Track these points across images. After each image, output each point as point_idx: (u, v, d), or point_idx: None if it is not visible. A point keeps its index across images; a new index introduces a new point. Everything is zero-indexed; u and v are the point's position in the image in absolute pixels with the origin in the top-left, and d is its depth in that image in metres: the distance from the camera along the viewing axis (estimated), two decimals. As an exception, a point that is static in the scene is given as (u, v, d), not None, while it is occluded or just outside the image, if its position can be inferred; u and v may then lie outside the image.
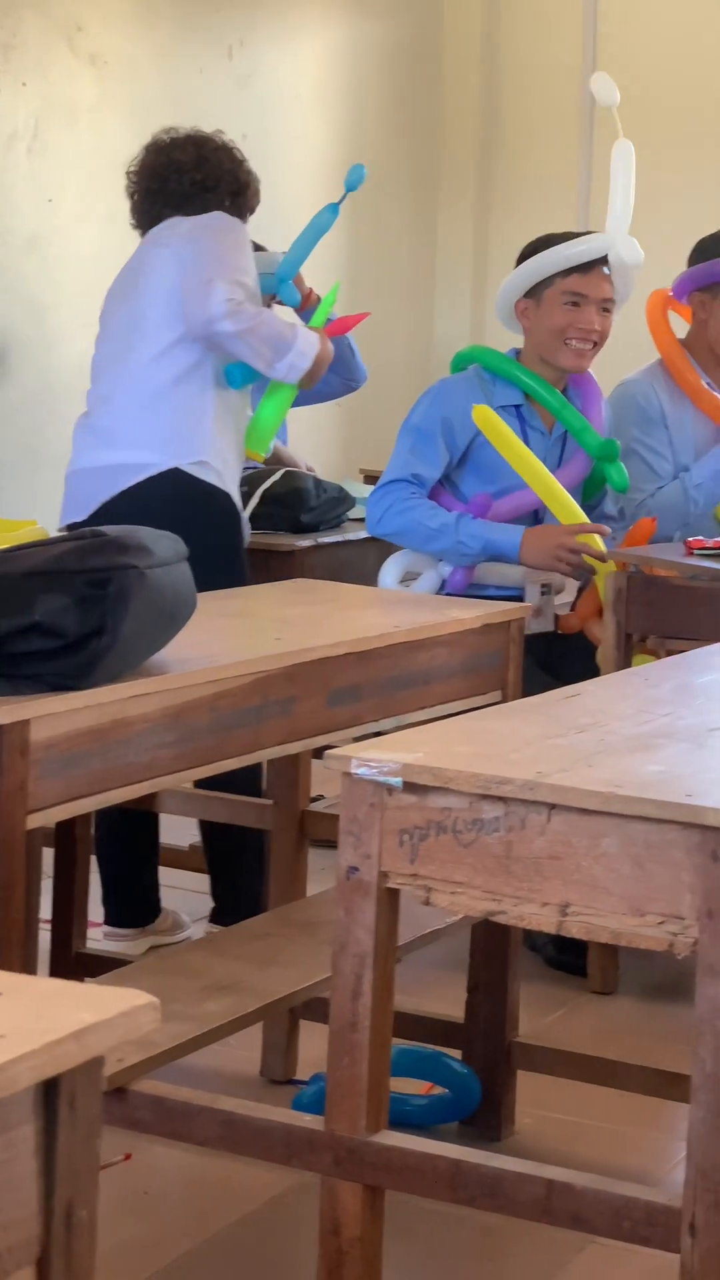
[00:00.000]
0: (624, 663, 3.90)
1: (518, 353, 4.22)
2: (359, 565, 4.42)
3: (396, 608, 3.34)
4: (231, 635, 2.92)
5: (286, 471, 4.36)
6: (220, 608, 3.15)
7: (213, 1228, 2.78)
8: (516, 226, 4.34)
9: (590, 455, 4.17)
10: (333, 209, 4.60)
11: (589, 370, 4.23)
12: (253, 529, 4.22)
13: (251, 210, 4.10)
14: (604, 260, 4.14)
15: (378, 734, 2.73)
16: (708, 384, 4.51)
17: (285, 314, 4.41)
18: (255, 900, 3.65)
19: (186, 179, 3.99)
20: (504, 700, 3.37)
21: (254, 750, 2.83)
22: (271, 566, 4.17)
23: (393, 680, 3.10)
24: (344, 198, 4.57)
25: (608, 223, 4.31)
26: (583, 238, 4.17)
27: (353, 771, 2.13)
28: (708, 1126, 1.97)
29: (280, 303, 4.43)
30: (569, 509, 4.04)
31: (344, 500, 4.43)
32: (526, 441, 4.10)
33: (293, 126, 6.23)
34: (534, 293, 4.14)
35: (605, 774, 2.08)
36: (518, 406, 4.14)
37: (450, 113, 7.02)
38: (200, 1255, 2.71)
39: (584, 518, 4.05)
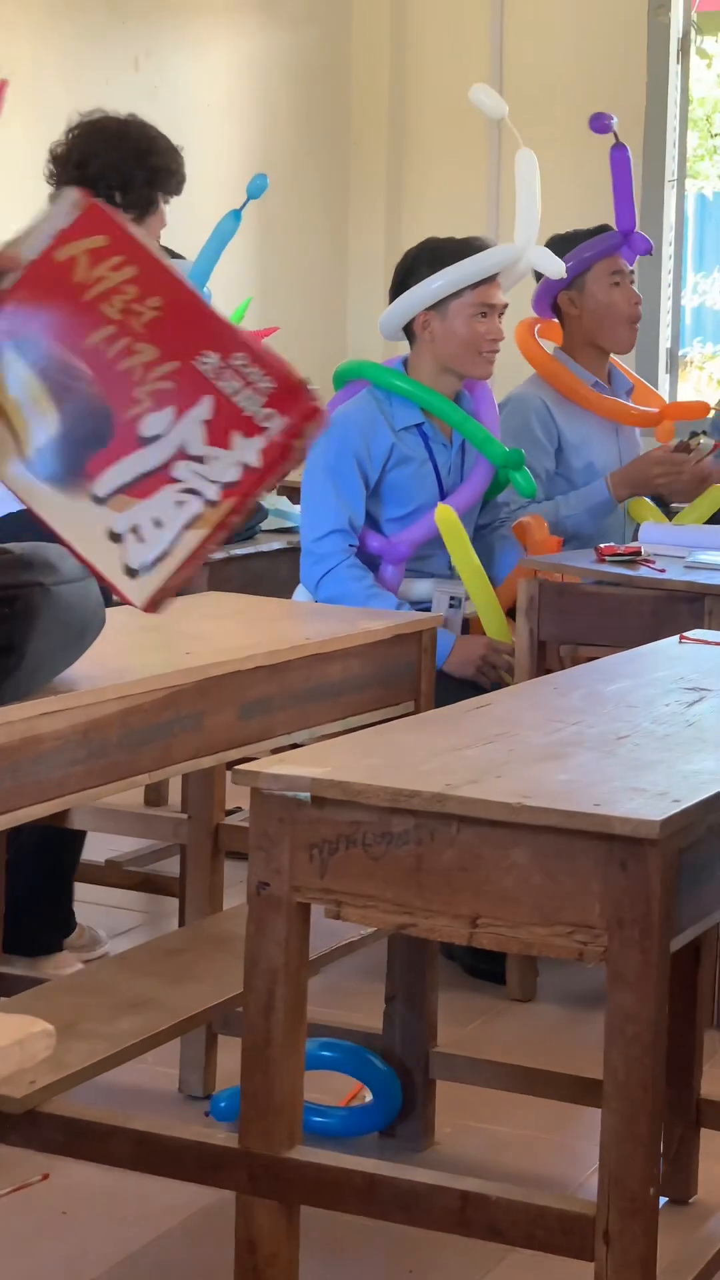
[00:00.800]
0: (536, 670, 3.91)
1: (403, 363, 4.20)
2: (272, 577, 4.41)
3: (308, 619, 3.34)
4: (142, 651, 2.91)
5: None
6: (130, 623, 3.12)
7: (130, 1247, 2.76)
8: (428, 233, 4.34)
9: (494, 464, 4.18)
10: (235, 216, 4.64)
11: None
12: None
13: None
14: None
15: (291, 746, 2.73)
16: (595, 383, 4.54)
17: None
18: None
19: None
20: (417, 710, 3.37)
21: (165, 765, 2.81)
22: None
23: (305, 692, 3.10)
24: (245, 204, 4.61)
25: (517, 232, 4.33)
26: (491, 250, 4.16)
27: (261, 787, 2.12)
28: (619, 1135, 1.97)
29: None
30: (498, 620, 4.09)
31: (256, 511, 4.41)
32: (431, 457, 4.12)
33: (202, 137, 6.20)
34: (439, 306, 4.12)
35: (514, 784, 2.08)
36: (419, 425, 4.13)
37: (360, 121, 7.03)
38: (118, 1274, 2.70)
39: (508, 632, 4.07)
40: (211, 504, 1.68)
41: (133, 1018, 2.48)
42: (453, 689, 3.65)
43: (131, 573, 1.56)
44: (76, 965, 3.63)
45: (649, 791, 2.06)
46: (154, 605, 1.57)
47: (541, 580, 3.92)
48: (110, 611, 3.32)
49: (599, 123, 4.59)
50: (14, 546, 2.54)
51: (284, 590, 4.46)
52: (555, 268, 4.31)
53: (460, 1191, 2.04)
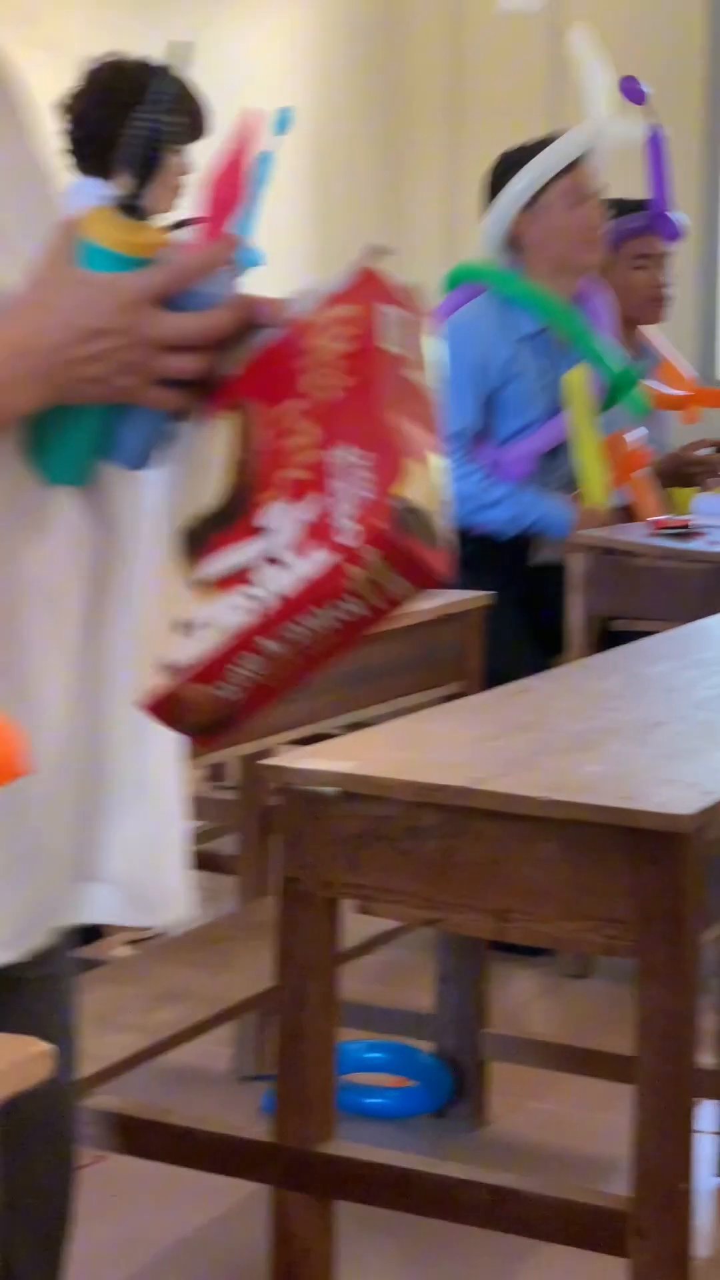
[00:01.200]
0: (587, 646, 3.87)
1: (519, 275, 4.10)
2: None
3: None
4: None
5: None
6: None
7: (178, 1231, 2.76)
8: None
9: (608, 382, 4.07)
10: (265, 158, 4.62)
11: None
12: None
13: None
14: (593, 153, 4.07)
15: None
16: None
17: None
18: None
19: None
20: (464, 692, 3.34)
21: (204, 753, 2.80)
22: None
23: (348, 676, 3.07)
24: (275, 143, 4.58)
25: (587, 110, 4.21)
26: (569, 133, 4.08)
27: (289, 782, 2.10)
28: (651, 1129, 1.95)
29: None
30: (599, 489, 4.00)
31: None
32: (553, 367, 4.02)
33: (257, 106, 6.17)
34: (534, 204, 4.03)
35: (543, 777, 2.05)
36: (540, 334, 4.02)
37: (415, 80, 6.96)
38: (167, 1260, 2.70)
39: (605, 499, 4.03)
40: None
41: (171, 1009, 2.48)
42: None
43: (163, 668, 1.26)
44: (121, 947, 3.61)
45: (681, 782, 2.03)
46: (147, 702, 1.29)
47: (594, 553, 3.88)
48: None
49: (631, 89, 4.47)
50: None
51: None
52: (637, 134, 4.23)
53: (491, 1186, 2.03)
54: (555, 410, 4.02)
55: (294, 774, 2.09)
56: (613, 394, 4.12)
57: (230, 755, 2.83)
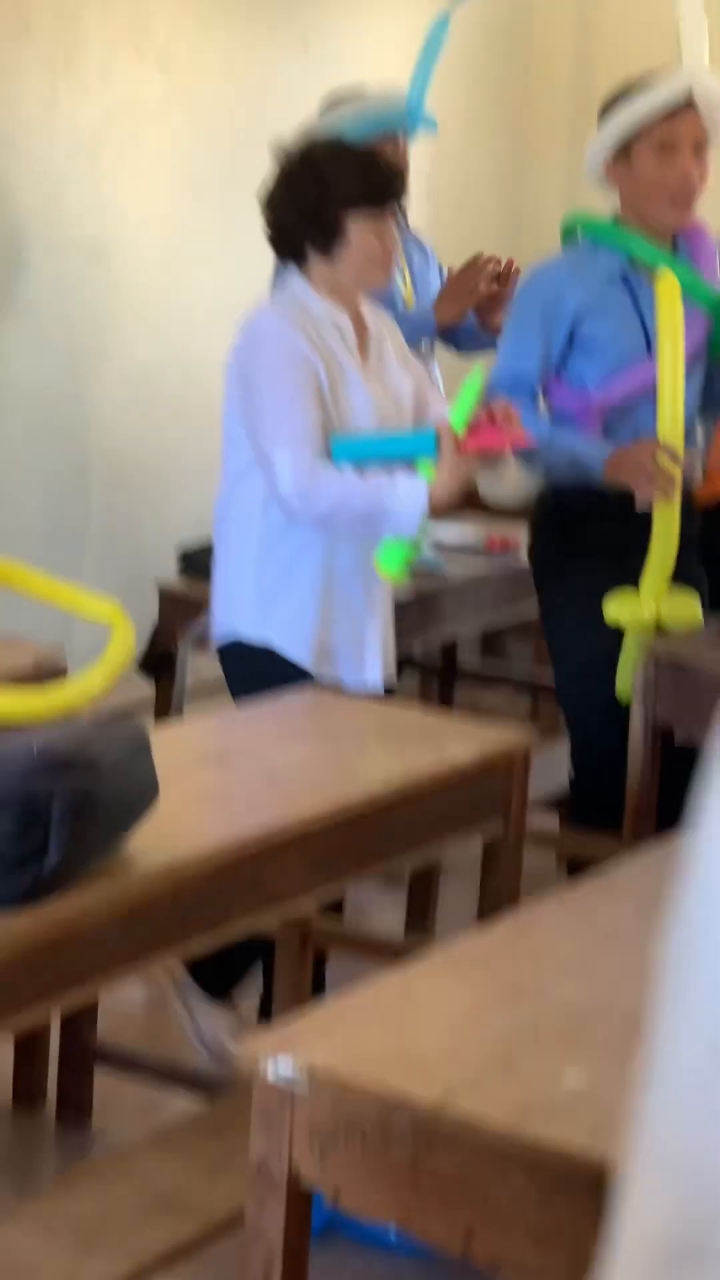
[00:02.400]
0: (652, 759, 3.76)
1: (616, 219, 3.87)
2: (397, 627, 4.27)
3: (397, 738, 3.22)
4: (205, 803, 2.83)
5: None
6: (204, 751, 3.06)
7: None
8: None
9: (708, 311, 3.83)
10: (442, 24, 4.74)
11: (695, 218, 3.86)
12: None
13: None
14: (689, 102, 3.74)
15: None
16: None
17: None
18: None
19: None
20: (505, 832, 3.26)
21: (222, 927, 2.74)
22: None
23: (380, 836, 3.00)
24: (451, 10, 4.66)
25: (685, 58, 3.98)
26: (659, 82, 3.77)
27: (259, 1074, 2.04)
28: None
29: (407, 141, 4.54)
30: (676, 417, 3.68)
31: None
32: (637, 308, 3.78)
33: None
34: (622, 151, 3.78)
35: (517, 1092, 1.97)
36: (622, 276, 3.80)
37: (539, 87, 6.77)
38: None
39: (680, 433, 3.71)
40: None
41: (158, 1223, 2.43)
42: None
43: None
44: (231, 1028, 3.50)
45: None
46: None
47: (659, 660, 3.76)
48: (187, 729, 3.26)
49: None
50: (58, 740, 2.47)
51: (411, 640, 4.35)
52: None
53: None
54: (642, 355, 3.78)
55: (265, 1063, 2.02)
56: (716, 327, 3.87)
57: (229, 937, 2.75)
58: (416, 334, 4.33)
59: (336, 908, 3.81)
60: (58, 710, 2.96)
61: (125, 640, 3.12)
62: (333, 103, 4.64)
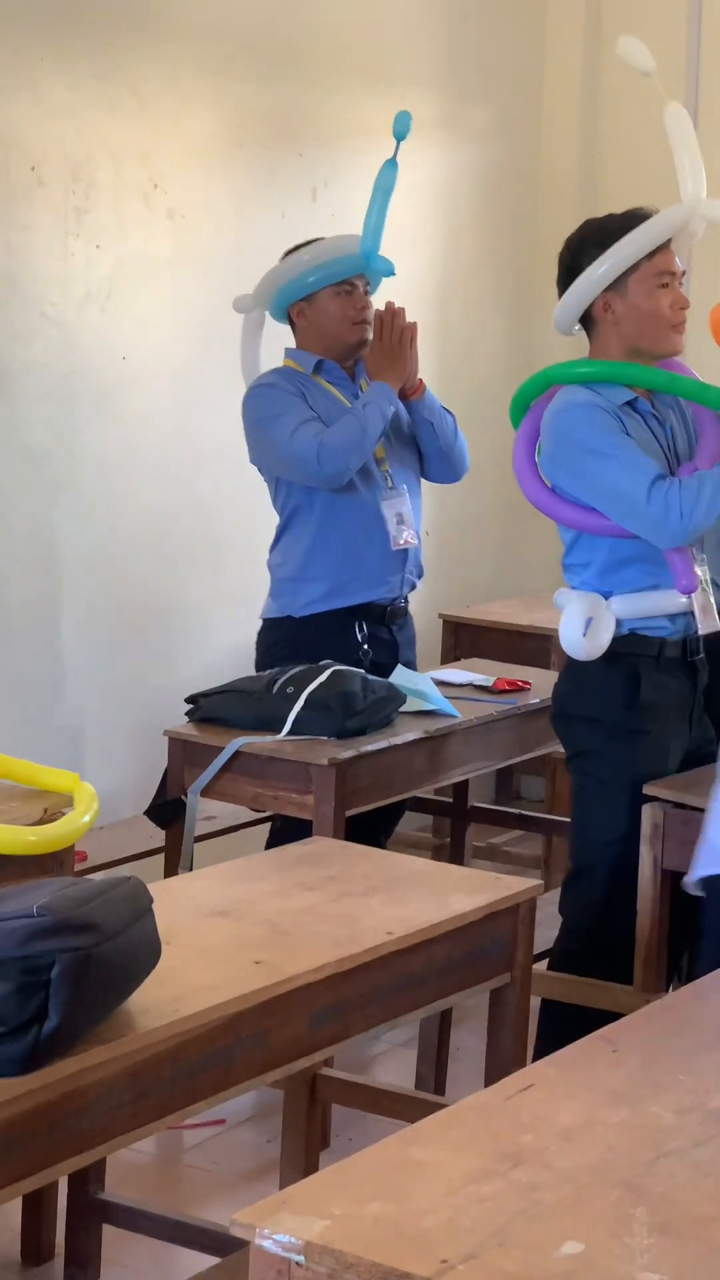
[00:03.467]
0: (661, 904, 3.76)
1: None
2: (407, 769, 4.29)
3: (402, 889, 3.22)
4: (207, 959, 2.82)
5: (334, 672, 4.25)
6: (210, 900, 3.06)
7: None
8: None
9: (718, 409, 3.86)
10: (391, 164, 4.80)
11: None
12: (295, 734, 4.14)
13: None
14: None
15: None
16: None
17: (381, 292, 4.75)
18: None
19: None
20: (512, 982, 3.25)
21: (224, 1089, 2.73)
22: (311, 779, 4.06)
23: (383, 988, 3.00)
24: (397, 149, 4.76)
25: (682, 189, 4.01)
26: (661, 213, 3.85)
27: (257, 1243, 2.02)
28: None
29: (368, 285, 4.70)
30: None
31: (392, 699, 4.29)
32: (651, 432, 3.83)
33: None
34: (616, 285, 3.82)
35: (511, 1265, 1.95)
36: (631, 402, 3.83)
37: (548, 233, 6.84)
38: None
39: None
40: None
41: None
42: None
43: None
44: None
45: None
46: None
47: (667, 807, 3.76)
48: (197, 877, 3.27)
49: None
50: (59, 901, 2.47)
51: (417, 780, 4.36)
52: None
53: None
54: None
55: (261, 1235, 2.01)
56: None
57: (231, 1097, 2.75)
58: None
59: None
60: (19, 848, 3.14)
61: (87, 808, 3.36)
62: (288, 251, 4.78)
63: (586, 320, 3.92)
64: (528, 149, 6.84)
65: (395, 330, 4.65)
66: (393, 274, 4.71)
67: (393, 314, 4.66)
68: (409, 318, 4.70)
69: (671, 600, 3.83)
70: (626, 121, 6.70)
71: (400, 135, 4.73)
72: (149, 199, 5.28)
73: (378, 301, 4.74)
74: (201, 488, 5.51)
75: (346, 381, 4.73)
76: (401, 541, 4.67)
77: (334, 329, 4.70)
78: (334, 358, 4.71)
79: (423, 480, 4.86)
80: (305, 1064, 2.88)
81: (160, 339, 5.34)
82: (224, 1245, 3.09)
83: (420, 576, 4.80)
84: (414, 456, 4.81)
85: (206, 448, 5.51)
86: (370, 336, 4.69)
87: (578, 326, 3.97)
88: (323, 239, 4.83)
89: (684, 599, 3.82)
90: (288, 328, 4.82)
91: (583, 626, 3.80)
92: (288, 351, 4.79)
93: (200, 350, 5.45)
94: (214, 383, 5.48)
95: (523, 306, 6.85)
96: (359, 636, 4.63)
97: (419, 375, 4.72)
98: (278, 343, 4.88)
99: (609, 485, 3.74)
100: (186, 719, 4.32)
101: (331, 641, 4.58)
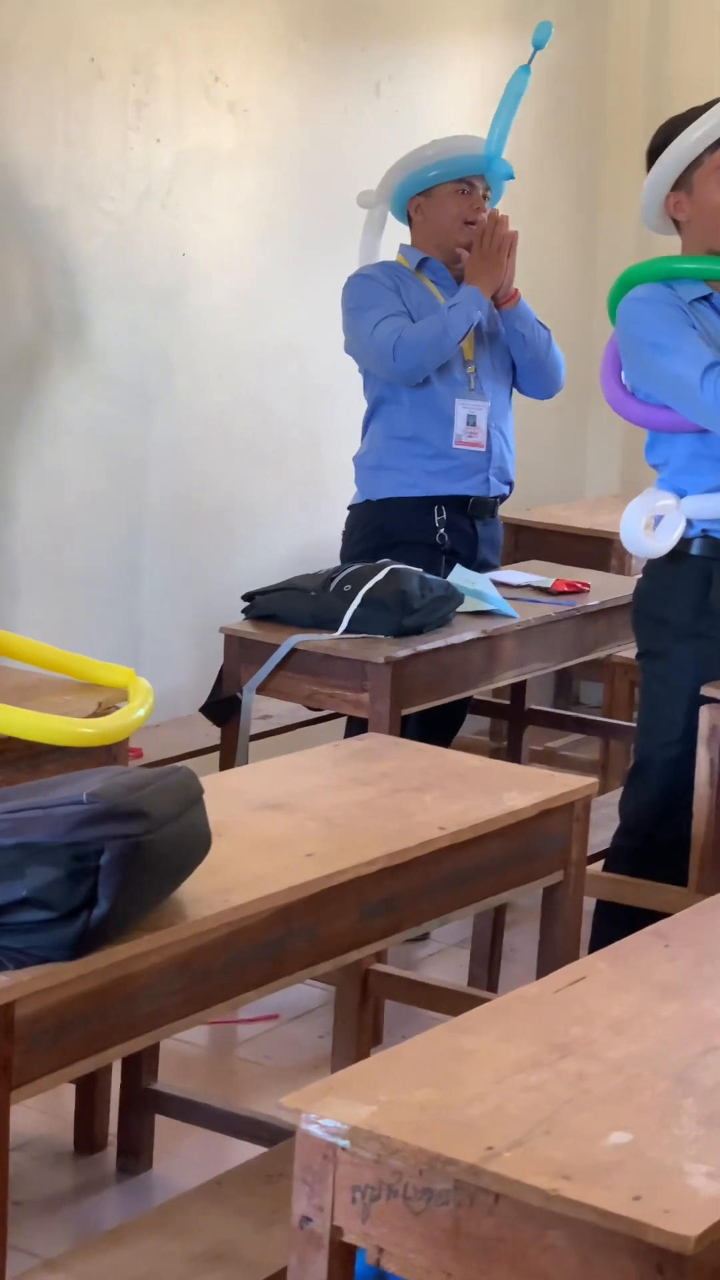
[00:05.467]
0: (719, 804, 3.73)
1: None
2: (463, 669, 4.27)
3: (456, 785, 3.20)
4: (259, 850, 2.81)
5: (392, 570, 4.22)
6: (262, 798, 3.05)
7: None
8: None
9: None
10: (524, 70, 4.84)
11: None
12: (351, 632, 4.12)
13: None
14: None
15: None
16: None
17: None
18: None
19: None
20: (565, 880, 3.23)
21: (275, 980, 2.73)
22: (367, 677, 4.04)
23: (436, 884, 2.98)
24: (533, 57, 4.78)
25: None
26: (717, 104, 3.71)
27: (303, 1128, 2.02)
28: None
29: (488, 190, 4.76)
30: None
31: (450, 599, 4.26)
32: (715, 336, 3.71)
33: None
34: (682, 182, 3.71)
35: (558, 1153, 1.94)
36: (706, 297, 3.72)
37: (614, 132, 6.74)
38: None
39: None
40: None
41: (209, 1277, 2.42)
42: None
43: None
44: None
45: (712, 1171, 1.91)
46: None
47: (722, 706, 3.73)
48: (250, 770, 3.26)
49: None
50: (109, 789, 2.46)
51: (475, 681, 4.33)
52: None
53: None
54: None
55: (307, 1119, 2.01)
56: None
57: (282, 988, 2.74)
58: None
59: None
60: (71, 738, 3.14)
61: (142, 702, 3.34)
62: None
63: (673, 220, 3.82)
64: (595, 43, 6.72)
65: (496, 237, 4.68)
66: (513, 177, 4.77)
67: (496, 221, 4.69)
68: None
69: None
70: (699, 13, 6.58)
71: (538, 44, 4.77)
72: (210, 92, 5.22)
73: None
74: (263, 387, 5.47)
75: (450, 283, 4.75)
76: (466, 441, 4.66)
77: (448, 226, 4.75)
78: (443, 258, 4.77)
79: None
80: (356, 957, 2.88)
81: (221, 236, 5.29)
82: (275, 1135, 3.10)
83: (509, 485, 4.79)
84: (507, 366, 4.84)
85: (268, 347, 5.46)
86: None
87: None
88: (451, 137, 4.88)
89: None
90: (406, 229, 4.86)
91: (642, 522, 3.74)
92: (401, 247, 4.84)
93: (261, 248, 5.40)
94: (276, 281, 5.43)
95: (588, 208, 6.77)
96: (436, 521, 4.67)
97: (515, 285, 4.73)
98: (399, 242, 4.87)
99: (669, 376, 3.67)
100: (243, 616, 4.31)
101: (408, 525, 4.67)
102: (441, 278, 4.75)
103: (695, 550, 3.78)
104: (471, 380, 4.72)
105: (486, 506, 4.76)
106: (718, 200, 3.71)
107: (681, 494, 3.79)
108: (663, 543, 3.76)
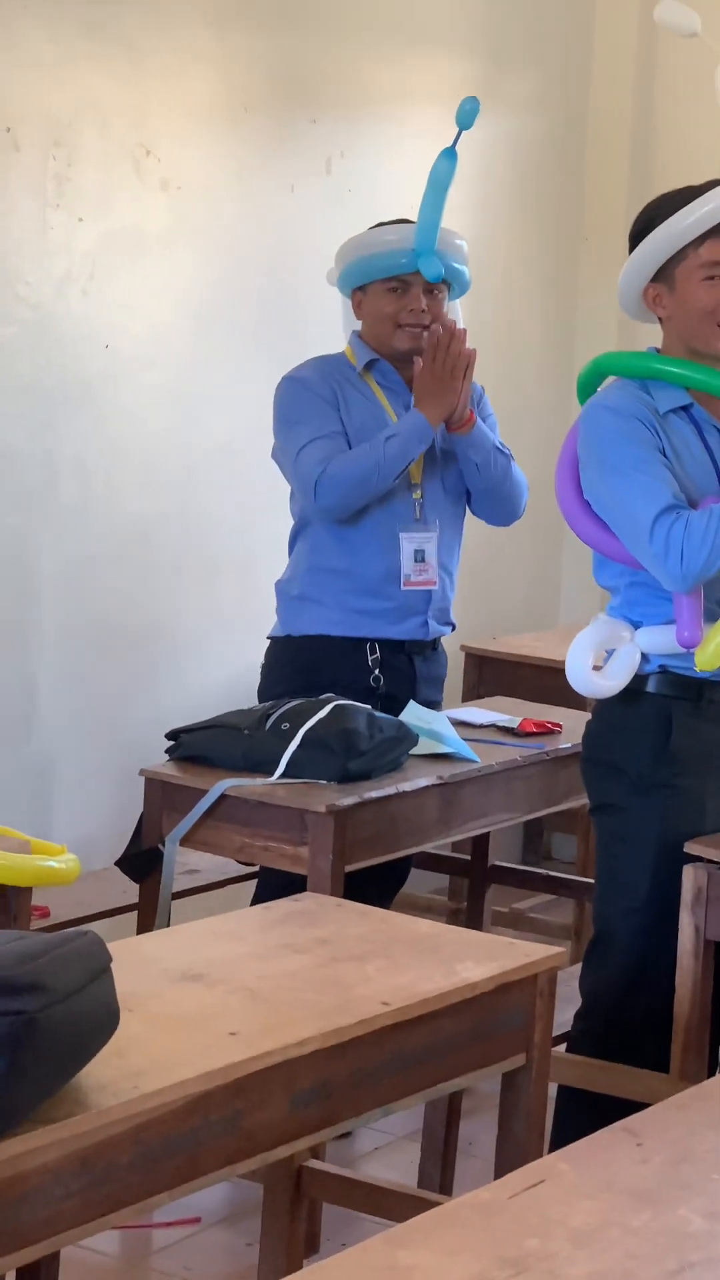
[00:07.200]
0: (705, 978, 3.71)
1: (656, 351, 3.84)
2: (417, 820, 4.25)
3: (403, 954, 3.18)
4: (175, 1029, 2.78)
5: (337, 706, 4.22)
6: (181, 961, 3.02)
7: None
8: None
9: None
10: (449, 154, 4.70)
11: None
12: (289, 777, 4.10)
13: None
14: None
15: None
16: None
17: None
18: None
19: None
20: (527, 1064, 3.20)
21: (191, 1180, 2.69)
22: (306, 828, 4.02)
23: (377, 1068, 2.95)
24: (458, 138, 4.62)
25: None
26: (706, 194, 3.73)
27: None
28: None
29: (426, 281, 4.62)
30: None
31: (402, 740, 4.25)
32: (704, 444, 3.74)
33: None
34: (664, 275, 3.75)
35: None
36: (686, 407, 3.75)
37: (593, 217, 6.84)
38: None
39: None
40: None
41: None
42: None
43: None
44: None
45: None
46: None
47: (711, 868, 3.72)
48: (171, 933, 3.23)
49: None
50: (2, 960, 2.43)
51: (428, 832, 4.32)
52: None
53: None
54: (716, 493, 3.74)
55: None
56: None
57: (199, 1188, 2.70)
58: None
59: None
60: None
61: (64, 859, 3.48)
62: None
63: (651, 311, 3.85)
64: (574, 122, 6.84)
65: (450, 355, 4.57)
66: (440, 278, 4.63)
67: (451, 336, 4.58)
68: None
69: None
70: (686, 91, 6.70)
71: (463, 124, 4.66)
72: (140, 167, 5.28)
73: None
74: (193, 495, 5.49)
75: (400, 387, 4.69)
76: (417, 581, 4.62)
77: (380, 328, 4.68)
78: (387, 358, 4.69)
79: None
80: (285, 1153, 2.83)
81: (148, 326, 5.33)
82: None
83: (450, 626, 4.75)
84: (460, 490, 4.76)
85: (200, 450, 5.49)
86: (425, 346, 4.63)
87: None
88: (384, 228, 4.75)
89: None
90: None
91: (590, 658, 3.75)
92: (353, 337, 4.77)
93: (194, 340, 5.45)
94: (209, 377, 5.47)
95: (565, 296, 6.85)
96: (369, 661, 4.61)
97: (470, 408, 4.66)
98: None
99: (621, 508, 3.68)
100: (167, 757, 4.29)
101: (336, 665, 4.58)
102: (391, 381, 4.69)
103: (652, 688, 3.78)
104: (418, 508, 4.65)
105: (423, 644, 4.72)
106: (700, 303, 3.74)
107: (636, 624, 3.80)
108: (615, 681, 3.77)
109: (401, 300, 4.65)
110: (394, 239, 4.67)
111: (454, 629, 4.79)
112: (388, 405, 4.65)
